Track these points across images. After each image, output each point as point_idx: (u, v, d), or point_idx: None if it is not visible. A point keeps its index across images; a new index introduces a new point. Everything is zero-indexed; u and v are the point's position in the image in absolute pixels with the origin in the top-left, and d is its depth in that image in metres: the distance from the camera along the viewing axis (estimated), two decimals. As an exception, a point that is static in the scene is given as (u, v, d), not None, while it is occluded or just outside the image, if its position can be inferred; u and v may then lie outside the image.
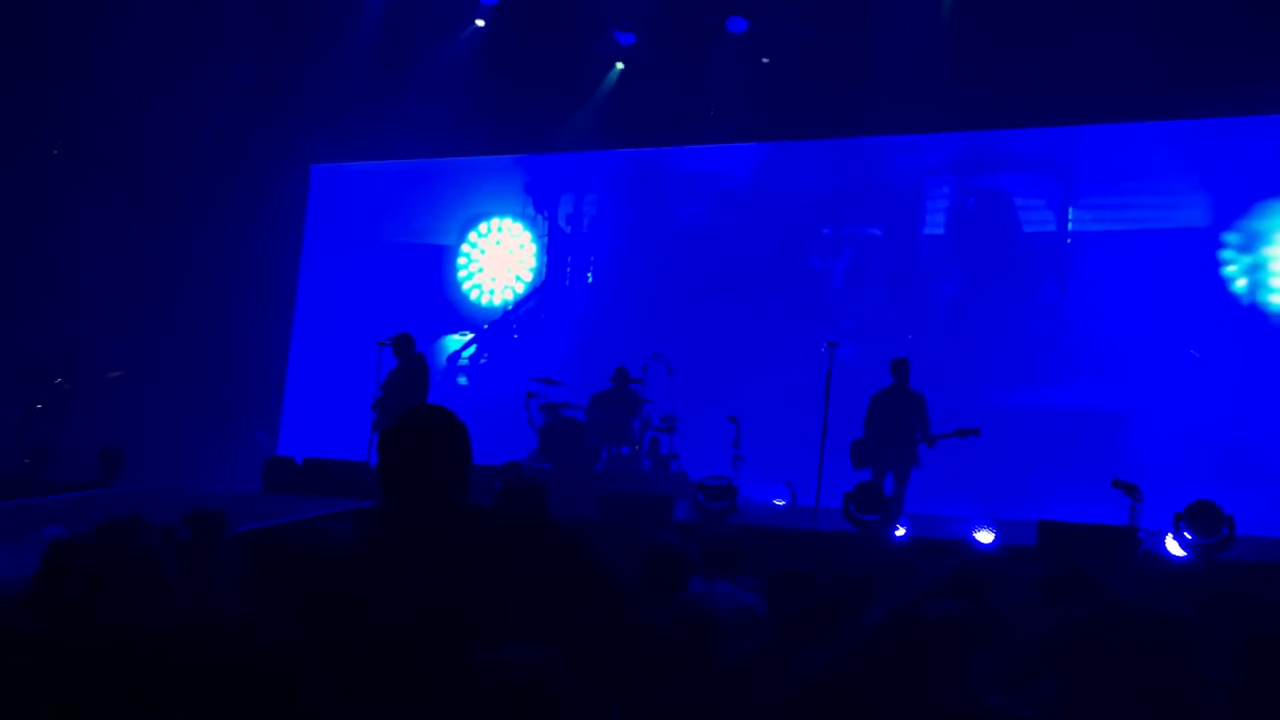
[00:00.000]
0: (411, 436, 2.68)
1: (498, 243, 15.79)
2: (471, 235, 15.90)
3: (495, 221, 15.81)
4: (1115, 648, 2.65)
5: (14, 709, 2.03)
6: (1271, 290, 12.07)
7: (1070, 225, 13.19)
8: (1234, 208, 12.25)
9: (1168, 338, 12.19)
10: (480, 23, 14.69)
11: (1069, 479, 11.32)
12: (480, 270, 15.80)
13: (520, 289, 15.60)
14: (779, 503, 11.83)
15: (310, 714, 1.79)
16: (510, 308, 15.59)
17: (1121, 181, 12.79)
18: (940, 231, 13.85)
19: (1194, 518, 8.07)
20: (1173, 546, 8.12)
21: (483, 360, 15.59)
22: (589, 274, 15.43)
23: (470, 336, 15.69)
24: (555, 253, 15.53)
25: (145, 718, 1.73)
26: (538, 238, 15.58)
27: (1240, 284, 12.18)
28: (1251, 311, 12.07)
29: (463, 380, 15.48)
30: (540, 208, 15.63)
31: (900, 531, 9.27)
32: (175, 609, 3.23)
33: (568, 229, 15.56)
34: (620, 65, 14.57)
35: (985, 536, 8.56)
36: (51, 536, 4.00)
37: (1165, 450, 11.44)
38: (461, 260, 15.89)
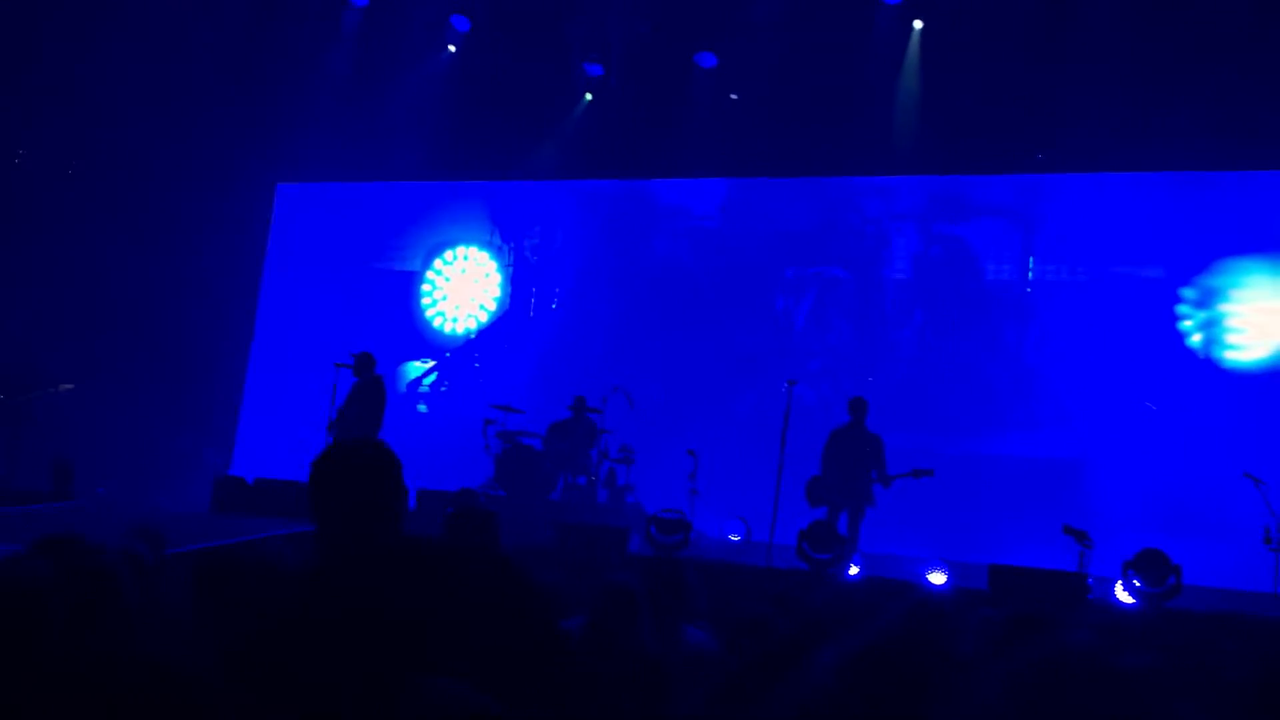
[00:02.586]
0: (337, 473, 2.65)
1: (463, 271, 15.75)
2: (437, 263, 15.85)
3: (461, 250, 15.78)
4: (1076, 698, 2.64)
5: None
6: (1226, 346, 12.25)
7: (1030, 274, 13.35)
8: (1192, 263, 12.45)
9: (1124, 388, 12.33)
10: (452, 49, 14.72)
11: (1021, 524, 11.41)
12: (444, 298, 15.75)
13: (484, 318, 15.55)
14: (734, 538, 11.81)
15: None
16: (473, 336, 15.54)
17: (1082, 232, 12.97)
18: (904, 275, 13.97)
19: (1143, 566, 8.14)
20: (1121, 594, 8.18)
21: (443, 388, 15.51)
22: (553, 304, 15.42)
23: (432, 364, 15.61)
24: (520, 282, 15.52)
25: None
26: (503, 267, 15.56)
27: (1196, 339, 12.35)
28: (1206, 366, 12.24)
29: (422, 408, 15.39)
30: (507, 238, 15.62)
31: (854, 570, 9.27)
32: (109, 635, 3.16)
33: (533, 259, 15.55)
34: (589, 96, 14.64)
35: (938, 578, 8.58)
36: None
37: (1117, 499, 11.57)
38: (426, 288, 15.83)
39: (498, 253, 15.62)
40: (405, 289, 15.86)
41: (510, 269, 15.54)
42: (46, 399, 13.12)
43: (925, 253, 13.91)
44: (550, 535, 9.25)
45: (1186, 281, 12.45)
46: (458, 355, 15.56)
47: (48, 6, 13.10)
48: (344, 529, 2.56)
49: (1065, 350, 12.77)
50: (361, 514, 2.56)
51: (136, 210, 14.42)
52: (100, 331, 14.20)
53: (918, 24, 13.05)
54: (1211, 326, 12.32)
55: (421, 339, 15.69)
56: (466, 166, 15.06)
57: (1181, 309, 12.43)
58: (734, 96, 13.85)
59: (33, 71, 13.32)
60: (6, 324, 13.63)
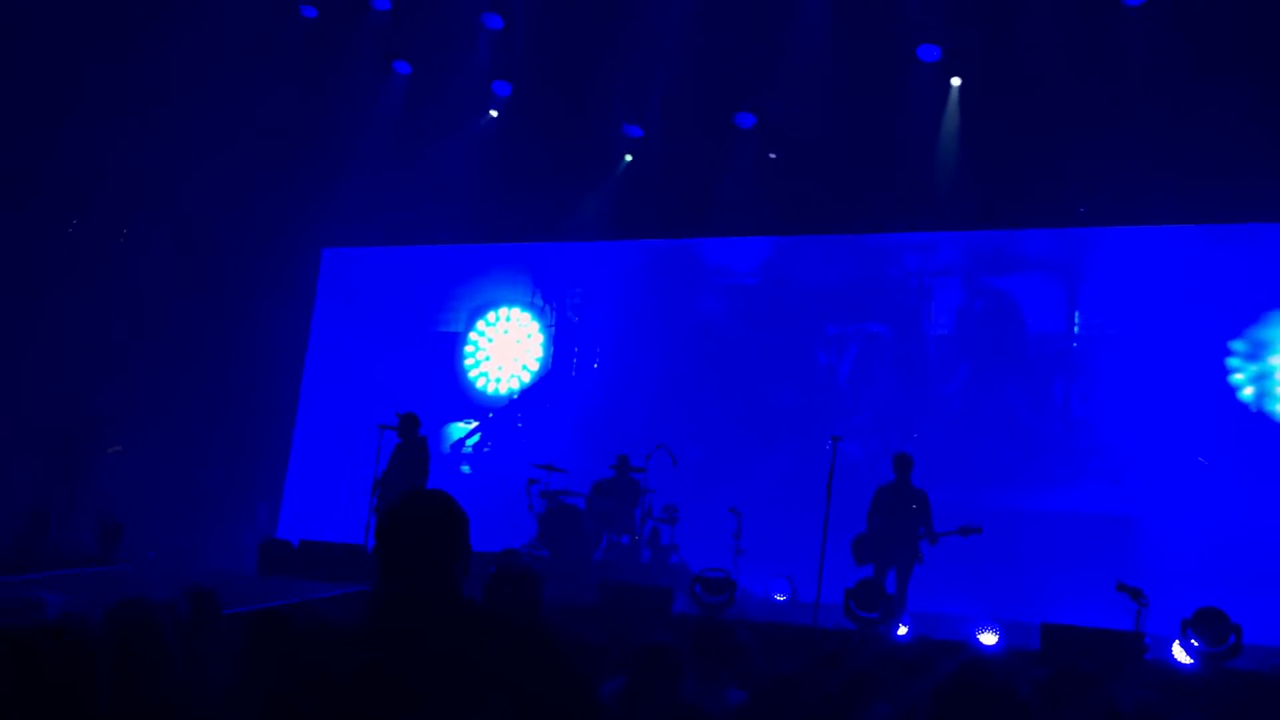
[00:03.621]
0: (408, 520, 2.64)
1: (505, 332, 15.86)
2: (480, 324, 15.99)
3: (504, 311, 15.91)
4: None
5: None
6: (1278, 399, 12.04)
7: (1077, 328, 13.23)
8: (1242, 316, 12.28)
9: (1175, 443, 12.13)
10: (494, 113, 14.95)
11: (1073, 581, 11.19)
12: (487, 359, 15.86)
13: (526, 378, 15.62)
14: (780, 597, 11.68)
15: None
16: (516, 397, 15.61)
17: (1129, 285, 12.84)
18: (947, 331, 13.89)
19: (1201, 625, 7.95)
20: (1179, 654, 7.98)
21: (486, 448, 15.56)
22: (595, 363, 15.46)
23: (475, 425, 15.68)
24: (562, 342, 15.60)
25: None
26: (545, 328, 15.66)
27: (1247, 392, 12.16)
28: (1259, 419, 12.03)
29: (466, 468, 15.43)
30: (549, 298, 15.73)
31: (902, 630, 9.13)
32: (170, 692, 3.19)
33: (575, 319, 15.64)
34: (629, 157, 14.78)
35: (989, 638, 8.43)
36: (47, 603, 3.96)
37: (1172, 556, 11.33)
38: (469, 349, 15.96)
39: (540, 313, 15.73)
40: (449, 350, 15.98)
41: (552, 329, 15.63)
42: (96, 461, 13.30)
43: (969, 307, 13.84)
44: (594, 595, 9.21)
45: (1237, 334, 12.28)
46: (501, 415, 15.63)
47: (102, 79, 13.46)
48: (406, 576, 2.54)
49: (1114, 404, 12.60)
50: (426, 561, 2.55)
51: (187, 275, 14.70)
52: (149, 394, 14.41)
53: (955, 81, 13.09)
54: (1264, 379, 12.13)
55: (465, 400, 15.78)
56: (508, 229, 15.23)
57: (1232, 362, 12.25)
58: (773, 156, 13.93)
59: (86, 140, 13.67)
60: (60, 385, 13.86)
